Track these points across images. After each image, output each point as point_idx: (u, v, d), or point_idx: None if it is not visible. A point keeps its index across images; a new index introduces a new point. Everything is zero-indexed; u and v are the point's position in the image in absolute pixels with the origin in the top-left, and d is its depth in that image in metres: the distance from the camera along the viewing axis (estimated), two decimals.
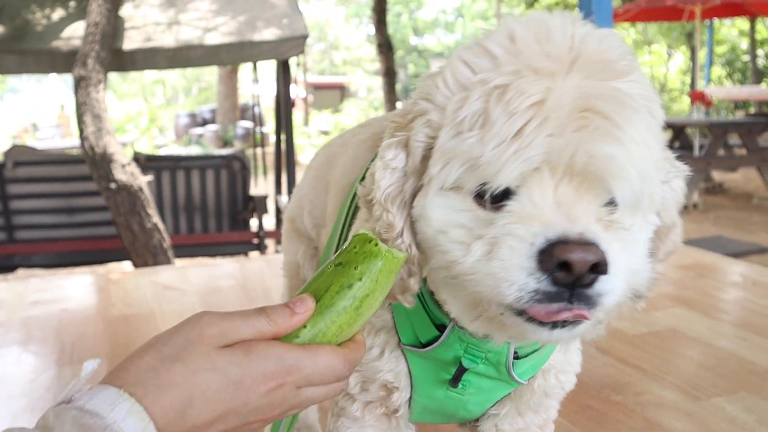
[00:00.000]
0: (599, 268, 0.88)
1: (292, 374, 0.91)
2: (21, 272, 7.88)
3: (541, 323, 0.93)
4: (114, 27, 6.58)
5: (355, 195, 1.41)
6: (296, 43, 7.42)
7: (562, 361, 1.28)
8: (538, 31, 0.99)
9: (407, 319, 1.19)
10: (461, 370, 1.19)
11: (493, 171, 0.91)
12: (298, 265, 1.78)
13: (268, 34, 7.36)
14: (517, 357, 1.19)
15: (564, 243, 0.88)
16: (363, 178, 1.14)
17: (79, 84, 5.96)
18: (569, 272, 0.88)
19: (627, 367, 2.43)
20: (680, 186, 1.10)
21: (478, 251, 0.93)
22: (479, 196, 0.96)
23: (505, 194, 0.94)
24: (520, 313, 0.93)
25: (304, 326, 0.94)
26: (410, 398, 1.27)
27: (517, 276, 0.90)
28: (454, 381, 1.21)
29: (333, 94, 33.27)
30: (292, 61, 8.27)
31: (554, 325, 0.93)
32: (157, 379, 0.85)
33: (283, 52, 7.47)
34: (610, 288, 0.90)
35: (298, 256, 1.79)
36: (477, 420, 1.35)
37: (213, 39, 7.27)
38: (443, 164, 0.97)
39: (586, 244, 0.88)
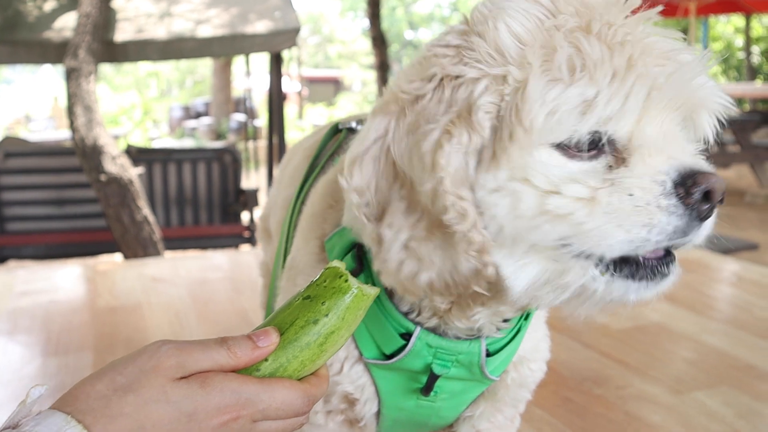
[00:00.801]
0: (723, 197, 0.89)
1: (248, 408, 0.90)
2: (12, 263, 7.87)
3: (652, 274, 0.91)
4: (106, 18, 6.56)
5: (295, 207, 1.40)
6: (289, 36, 7.41)
7: (531, 349, 1.26)
8: None
9: (366, 331, 1.14)
10: (433, 378, 1.15)
11: (614, 108, 0.86)
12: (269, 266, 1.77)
13: (260, 26, 7.35)
14: (488, 354, 1.15)
15: (701, 173, 0.87)
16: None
17: (70, 75, 5.94)
18: (710, 201, 0.87)
19: (610, 361, 2.44)
20: None
21: (606, 202, 0.87)
22: (577, 148, 0.89)
23: (598, 142, 0.89)
24: (626, 266, 0.91)
25: (266, 359, 0.93)
26: (378, 411, 1.22)
27: (658, 217, 0.86)
28: (426, 390, 1.16)
29: (327, 87, 33.24)
30: (286, 54, 8.25)
31: (662, 274, 0.92)
32: (108, 408, 0.84)
33: (276, 45, 7.45)
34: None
35: (268, 257, 1.78)
36: (452, 425, 1.32)
37: (205, 31, 7.26)
38: (546, 117, 0.86)
39: (714, 174, 0.88)
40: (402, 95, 0.95)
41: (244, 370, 0.92)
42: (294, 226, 1.36)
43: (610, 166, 0.89)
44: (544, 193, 0.88)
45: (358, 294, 0.94)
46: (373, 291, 0.96)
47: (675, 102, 0.90)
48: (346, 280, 0.94)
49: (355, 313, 0.95)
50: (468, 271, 0.91)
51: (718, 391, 2.19)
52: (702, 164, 0.89)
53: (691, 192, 0.87)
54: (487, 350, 1.15)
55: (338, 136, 1.44)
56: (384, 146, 0.95)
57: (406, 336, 1.12)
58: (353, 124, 1.38)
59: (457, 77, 0.92)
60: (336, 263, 0.96)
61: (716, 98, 0.91)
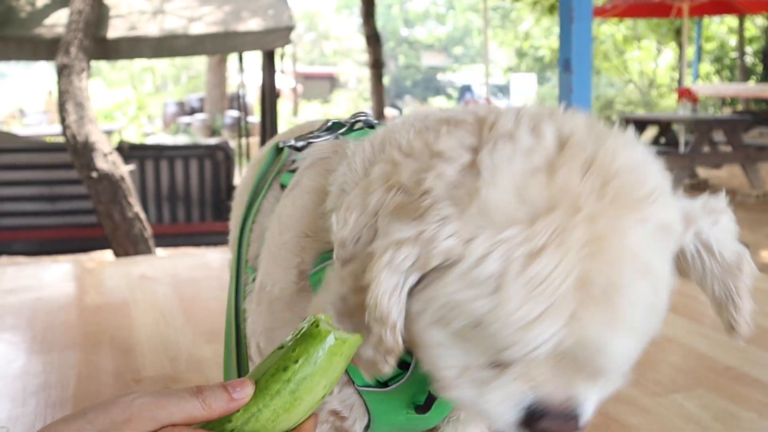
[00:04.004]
0: None
1: None
2: (3, 259, 7.87)
3: None
4: (98, 15, 6.56)
5: (243, 230, 1.40)
6: (282, 34, 7.42)
7: None
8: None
9: None
10: (432, 399, 1.14)
11: (501, 347, 0.87)
12: None
13: (253, 24, 7.36)
14: None
15: (544, 416, 0.91)
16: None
17: (62, 72, 5.95)
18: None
19: None
20: (729, 223, 1.04)
21: (470, 385, 0.93)
22: None
23: None
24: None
25: (237, 409, 0.91)
26: (368, 425, 1.21)
27: (505, 417, 0.92)
28: (424, 410, 1.16)
29: (323, 84, 33.26)
30: (280, 51, 8.26)
31: None
32: None
33: (269, 43, 7.47)
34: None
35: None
36: (435, 428, 1.32)
37: (198, 29, 7.26)
38: (444, 309, 0.90)
39: (568, 417, 0.91)
40: (405, 182, 0.95)
41: (216, 422, 0.91)
42: (245, 249, 1.39)
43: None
44: (430, 346, 0.95)
45: (333, 340, 0.92)
46: (351, 337, 0.94)
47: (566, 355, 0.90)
48: (317, 326, 0.92)
49: (331, 360, 0.93)
50: (371, 358, 0.97)
51: (695, 394, 2.21)
52: (557, 404, 0.91)
53: (530, 427, 0.92)
54: None
55: (281, 156, 1.43)
56: (375, 211, 0.96)
57: (403, 364, 1.10)
58: (293, 142, 1.39)
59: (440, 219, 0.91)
60: (318, 314, 0.95)
61: (606, 365, 0.91)
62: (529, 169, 0.90)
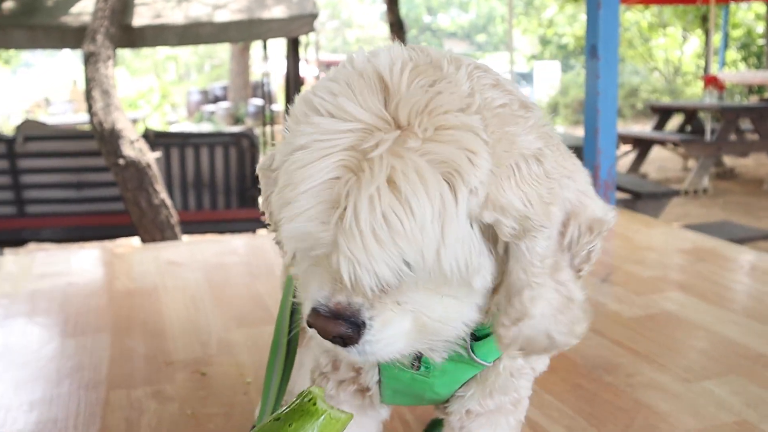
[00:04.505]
0: (345, 340, 0.98)
1: None
2: (31, 246, 7.96)
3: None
4: (123, 3, 6.61)
5: None
6: (306, 21, 7.43)
7: None
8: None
9: None
10: (419, 355, 1.19)
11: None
12: None
13: (277, 11, 7.37)
14: (476, 338, 1.17)
15: (317, 315, 0.99)
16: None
17: (89, 60, 5.99)
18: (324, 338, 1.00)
19: (620, 348, 2.46)
20: (543, 243, 1.00)
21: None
22: None
23: None
24: None
25: None
26: (380, 380, 1.28)
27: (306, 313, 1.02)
28: (414, 366, 1.21)
29: None
30: (304, 39, 8.27)
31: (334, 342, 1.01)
32: None
33: (293, 30, 7.48)
34: (370, 350, 1.00)
35: None
36: (447, 402, 1.35)
37: (222, 16, 7.29)
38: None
39: (336, 317, 0.98)
40: None
41: None
42: None
43: None
44: None
45: (327, 419, 0.99)
46: (343, 416, 1.01)
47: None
48: (314, 404, 0.99)
49: None
50: None
51: (727, 380, 2.20)
52: (324, 308, 0.99)
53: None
54: (474, 335, 1.16)
55: None
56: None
57: None
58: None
59: None
60: (314, 388, 1.01)
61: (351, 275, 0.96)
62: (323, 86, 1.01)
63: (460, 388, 1.30)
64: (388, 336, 0.99)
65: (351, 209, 0.89)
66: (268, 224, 1.15)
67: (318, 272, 0.99)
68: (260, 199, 1.16)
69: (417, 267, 0.92)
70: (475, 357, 1.19)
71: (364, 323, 0.97)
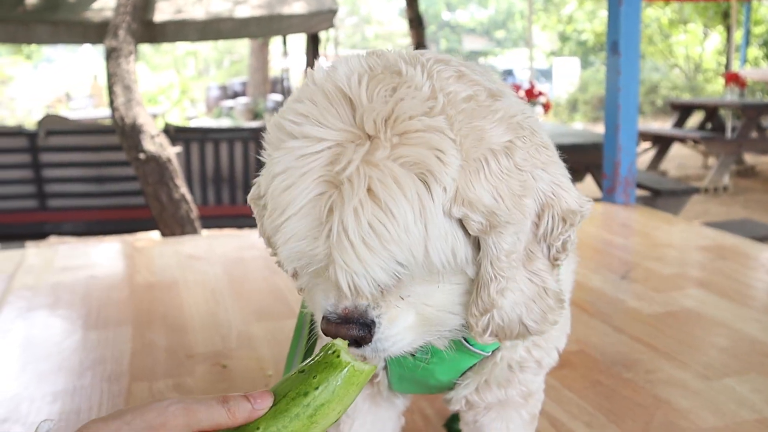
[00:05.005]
0: (358, 341, 1.02)
1: None
2: (52, 239, 8.02)
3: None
4: None
5: None
6: (325, 17, 7.44)
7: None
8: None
9: None
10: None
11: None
12: None
13: (297, 7, 7.38)
14: None
15: (329, 322, 1.02)
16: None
17: (110, 55, 6.04)
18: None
19: (640, 345, 2.45)
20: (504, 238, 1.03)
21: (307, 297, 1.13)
22: None
23: None
24: None
25: (257, 428, 0.98)
26: (386, 367, 1.31)
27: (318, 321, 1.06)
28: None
29: None
30: (323, 35, 8.29)
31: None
32: None
33: (313, 26, 7.49)
34: (382, 346, 1.03)
35: None
36: (450, 390, 1.36)
37: (243, 12, 7.31)
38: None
39: (348, 322, 1.01)
40: None
41: None
42: None
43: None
44: None
45: (351, 371, 1.00)
46: (366, 367, 1.02)
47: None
48: (338, 356, 1.00)
49: (347, 389, 1.01)
50: None
51: (748, 378, 2.19)
52: (334, 315, 1.03)
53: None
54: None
55: None
56: None
57: None
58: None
59: None
60: (338, 341, 1.02)
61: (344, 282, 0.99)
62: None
63: (460, 377, 1.31)
64: (397, 332, 1.03)
65: (338, 223, 0.93)
66: (268, 248, 1.19)
67: (321, 283, 1.04)
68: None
69: (410, 265, 0.96)
70: (469, 345, 1.21)
71: (373, 322, 1.01)
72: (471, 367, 1.29)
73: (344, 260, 0.94)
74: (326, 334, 1.02)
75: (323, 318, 1.03)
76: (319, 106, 1.00)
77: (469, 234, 1.01)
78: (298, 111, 1.02)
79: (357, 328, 1.01)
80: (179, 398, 0.97)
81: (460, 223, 0.99)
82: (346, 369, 1.00)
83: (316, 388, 0.99)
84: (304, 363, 1.03)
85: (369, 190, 0.93)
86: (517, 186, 1.01)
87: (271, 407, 1.00)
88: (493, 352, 1.25)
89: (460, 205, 0.97)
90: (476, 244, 1.03)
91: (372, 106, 0.98)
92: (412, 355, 1.18)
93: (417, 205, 0.94)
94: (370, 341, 1.01)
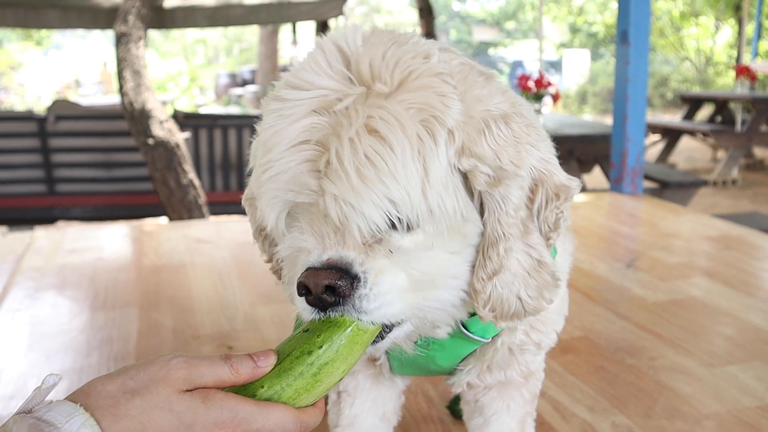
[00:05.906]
0: (336, 291, 0.97)
1: (243, 426, 0.95)
2: (60, 224, 8.05)
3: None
4: None
5: None
6: (335, 4, 7.44)
7: (533, 318, 1.22)
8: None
9: None
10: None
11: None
12: None
13: None
14: (471, 314, 1.16)
15: (308, 270, 0.97)
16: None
17: (120, 40, 6.04)
18: (309, 293, 0.98)
19: (644, 332, 2.46)
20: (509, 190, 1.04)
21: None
22: None
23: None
24: None
25: (262, 386, 0.98)
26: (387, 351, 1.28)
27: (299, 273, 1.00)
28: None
29: None
30: (332, 23, 8.27)
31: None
32: (115, 408, 0.90)
33: (322, 14, 7.49)
34: (366, 306, 0.98)
35: None
36: (451, 374, 1.36)
37: None
38: None
39: (329, 269, 0.97)
40: None
41: (243, 393, 0.98)
42: None
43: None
44: None
45: (355, 330, 0.99)
46: (371, 327, 1.01)
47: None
48: (342, 315, 0.99)
49: (352, 348, 1.00)
50: None
51: (751, 366, 2.20)
52: (318, 262, 0.98)
53: (300, 288, 0.99)
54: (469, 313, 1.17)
55: None
56: None
57: None
58: None
59: None
60: None
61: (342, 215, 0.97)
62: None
63: (460, 362, 1.31)
64: (386, 291, 0.98)
65: (333, 153, 0.92)
66: (263, 255, 1.19)
67: (305, 240, 1.00)
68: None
69: (404, 206, 0.94)
70: (467, 332, 1.20)
71: (357, 277, 0.97)
72: (471, 353, 1.29)
73: (337, 189, 0.92)
74: (304, 287, 0.97)
75: (306, 269, 0.98)
76: (317, 60, 1.01)
77: (471, 193, 1.01)
78: (297, 66, 1.04)
79: (337, 275, 0.96)
80: (183, 354, 0.98)
81: (463, 178, 1.00)
82: (350, 328, 0.99)
83: (320, 347, 0.98)
84: (309, 322, 1.02)
85: (367, 125, 0.93)
86: (514, 155, 1.02)
87: (276, 366, 1.00)
88: (493, 338, 1.25)
89: (468, 156, 0.98)
90: (479, 213, 1.03)
91: (366, 51, 0.99)
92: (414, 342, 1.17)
93: (417, 143, 0.94)
94: (349, 295, 0.97)
